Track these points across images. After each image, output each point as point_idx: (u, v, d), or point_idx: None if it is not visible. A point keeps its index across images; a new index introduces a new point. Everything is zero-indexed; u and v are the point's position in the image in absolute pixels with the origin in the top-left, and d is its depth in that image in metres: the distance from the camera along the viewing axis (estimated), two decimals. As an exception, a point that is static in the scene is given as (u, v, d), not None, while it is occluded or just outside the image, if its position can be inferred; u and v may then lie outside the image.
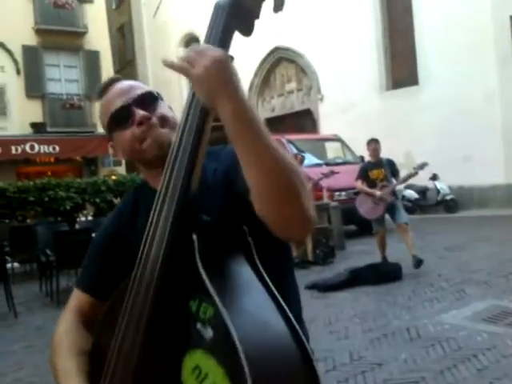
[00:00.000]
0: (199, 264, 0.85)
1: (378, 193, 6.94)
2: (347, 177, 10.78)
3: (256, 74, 19.90)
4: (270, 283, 0.90)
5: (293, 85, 19.30)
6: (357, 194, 10.59)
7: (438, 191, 13.88)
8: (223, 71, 0.84)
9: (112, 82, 1.19)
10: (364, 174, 7.27)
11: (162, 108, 1.17)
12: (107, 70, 19.52)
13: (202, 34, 22.07)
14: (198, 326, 0.83)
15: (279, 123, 19.03)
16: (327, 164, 11.58)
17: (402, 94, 15.77)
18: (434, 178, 13.66)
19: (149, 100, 1.15)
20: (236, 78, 0.86)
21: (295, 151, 11.05)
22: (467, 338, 4.04)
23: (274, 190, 0.86)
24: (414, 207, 13.84)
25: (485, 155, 13.21)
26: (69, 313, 1.18)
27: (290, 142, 11.88)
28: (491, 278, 5.98)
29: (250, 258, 0.93)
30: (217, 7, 0.91)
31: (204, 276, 0.84)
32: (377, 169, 7.13)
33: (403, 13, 15.89)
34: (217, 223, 0.95)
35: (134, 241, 1.07)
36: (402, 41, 16.14)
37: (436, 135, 13.92)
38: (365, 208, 7.22)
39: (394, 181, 7.13)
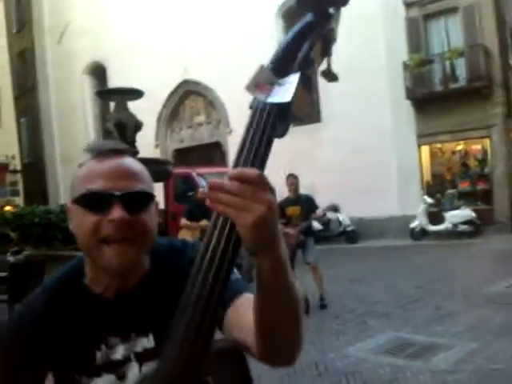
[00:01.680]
0: None
1: (290, 231, 6.75)
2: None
3: (165, 106, 19.91)
4: None
5: (202, 117, 19.54)
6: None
7: (340, 223, 14.60)
8: (275, 220, 0.71)
9: (115, 152, 0.97)
10: (281, 212, 7.19)
11: (147, 214, 0.95)
12: (6, 96, 18.57)
13: (107, 63, 21.76)
14: None
15: (188, 154, 19.12)
16: (236, 197, 11.76)
17: (306, 130, 16.51)
18: (336, 210, 14.32)
19: (138, 200, 0.94)
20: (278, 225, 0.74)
21: (204, 184, 11.12)
22: (371, 371, 4.27)
23: (288, 328, 0.84)
24: (318, 237, 14.40)
25: (381, 189, 14.18)
26: None
27: (200, 175, 11.95)
28: (390, 309, 6.37)
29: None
30: (261, 108, 0.74)
31: None
32: (293, 206, 6.96)
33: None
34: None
35: (68, 363, 0.97)
36: (306, 80, 17.01)
37: (337, 169, 14.70)
38: None
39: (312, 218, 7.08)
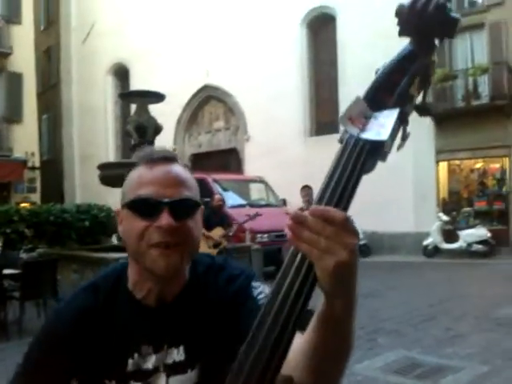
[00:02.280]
0: None
1: None
2: (269, 219, 11.06)
3: (184, 110, 20.05)
4: None
5: (220, 123, 19.63)
6: (279, 236, 10.94)
7: (354, 236, 14.51)
8: (356, 265, 0.68)
9: (165, 160, 0.99)
10: None
11: (192, 222, 0.97)
12: (30, 92, 18.85)
13: (130, 64, 22.01)
14: None
15: (205, 159, 19.20)
16: (251, 205, 11.79)
17: (324, 140, 16.49)
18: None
19: (186, 207, 0.96)
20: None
21: (220, 190, 11.18)
22: (378, 390, 4.24)
23: (337, 371, 0.82)
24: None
25: (396, 203, 14.07)
26: None
27: (215, 181, 12.00)
28: (401, 327, 6.31)
29: None
30: (353, 144, 0.69)
31: None
32: None
33: (329, 65, 16.82)
34: None
35: (101, 370, 0.99)
36: (326, 91, 17.02)
37: (353, 182, 14.63)
38: None
39: None
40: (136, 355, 0.99)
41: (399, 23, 0.71)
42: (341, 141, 0.71)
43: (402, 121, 0.70)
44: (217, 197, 8.81)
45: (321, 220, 0.65)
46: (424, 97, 0.73)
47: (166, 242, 0.92)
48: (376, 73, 0.73)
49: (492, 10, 14.01)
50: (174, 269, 0.94)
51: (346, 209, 0.67)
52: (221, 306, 1.00)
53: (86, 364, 0.98)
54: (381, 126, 0.68)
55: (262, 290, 1.02)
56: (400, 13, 0.71)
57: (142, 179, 0.97)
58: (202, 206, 1.02)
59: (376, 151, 0.69)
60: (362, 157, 0.68)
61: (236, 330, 0.94)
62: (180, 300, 1.01)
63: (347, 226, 0.65)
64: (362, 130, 0.69)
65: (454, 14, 0.68)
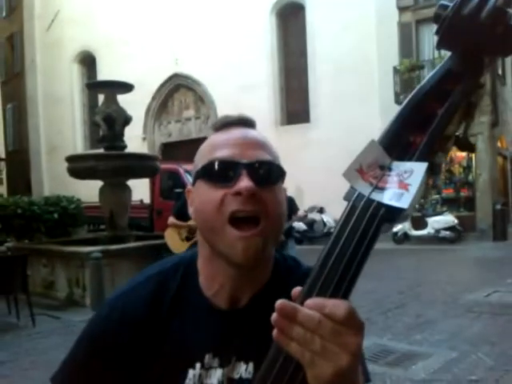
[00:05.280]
0: None
1: None
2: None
3: (154, 98, 19.80)
4: None
5: (191, 112, 19.47)
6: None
7: (325, 224, 14.70)
8: (358, 368, 0.55)
9: (240, 122, 0.88)
10: None
11: (275, 192, 0.82)
12: (-8, 81, 18.28)
13: (97, 52, 21.55)
14: None
15: (175, 149, 19.04)
16: (223, 195, 11.80)
17: (294, 129, 16.59)
18: (321, 211, 14.45)
19: (267, 172, 0.82)
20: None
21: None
22: (351, 378, 4.31)
23: None
24: (302, 238, 14.51)
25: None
26: None
27: (187, 171, 11.93)
28: (372, 314, 6.43)
29: None
30: (362, 207, 0.53)
31: None
32: None
33: (298, 55, 16.86)
34: None
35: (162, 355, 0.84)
36: (296, 81, 17.07)
37: (323, 171, 14.76)
38: None
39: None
40: (198, 366, 0.83)
41: (439, 31, 0.54)
42: (346, 199, 0.54)
43: (433, 172, 0.53)
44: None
45: (317, 312, 0.51)
46: (465, 130, 0.55)
47: (247, 210, 0.78)
48: (400, 103, 0.57)
49: (458, 1, 14.22)
50: (254, 255, 0.78)
51: (347, 295, 0.54)
52: None
53: (138, 367, 0.84)
54: (402, 185, 0.51)
55: None
56: (441, 17, 0.52)
57: (214, 143, 0.85)
58: (284, 188, 0.87)
59: (393, 216, 0.53)
60: (373, 225, 0.53)
61: None
62: (256, 304, 0.84)
63: (351, 322, 0.51)
64: (376, 187, 0.52)
65: None
